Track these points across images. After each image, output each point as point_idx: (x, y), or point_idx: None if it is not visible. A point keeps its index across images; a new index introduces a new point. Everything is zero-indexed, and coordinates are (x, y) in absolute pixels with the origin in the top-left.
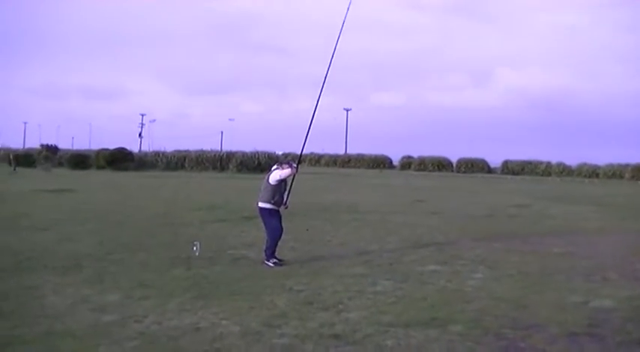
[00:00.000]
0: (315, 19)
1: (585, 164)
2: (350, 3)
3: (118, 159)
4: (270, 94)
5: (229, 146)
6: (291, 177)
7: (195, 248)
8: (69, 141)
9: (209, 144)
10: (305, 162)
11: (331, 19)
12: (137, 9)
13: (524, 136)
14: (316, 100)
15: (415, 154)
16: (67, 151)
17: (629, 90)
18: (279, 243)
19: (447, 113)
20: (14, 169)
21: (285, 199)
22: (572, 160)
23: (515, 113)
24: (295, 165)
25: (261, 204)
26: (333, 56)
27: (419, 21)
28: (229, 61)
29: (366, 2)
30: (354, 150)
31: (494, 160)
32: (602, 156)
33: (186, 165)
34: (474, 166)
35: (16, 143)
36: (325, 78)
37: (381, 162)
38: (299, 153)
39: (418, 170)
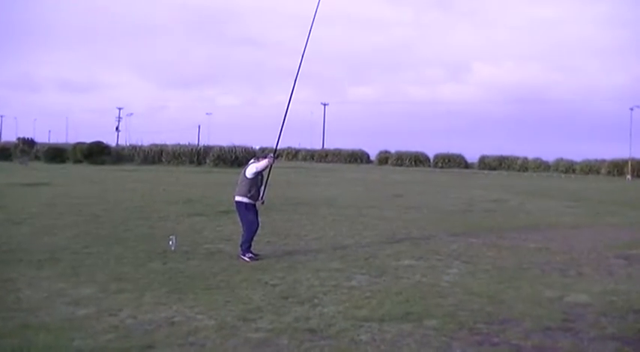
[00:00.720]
0: (291, 11)
1: (562, 159)
2: None
3: (95, 153)
4: (247, 88)
5: (207, 140)
6: (268, 170)
7: (171, 242)
8: (46, 134)
9: (186, 137)
10: (282, 156)
11: (308, 11)
12: (114, 1)
13: (501, 131)
14: (290, 92)
15: (392, 149)
16: (43, 145)
17: (605, 84)
18: (255, 238)
19: (423, 107)
20: None
21: (261, 193)
22: (549, 155)
23: (491, 107)
24: (272, 156)
25: (237, 198)
26: (305, 48)
27: (394, 14)
28: (206, 54)
29: None
30: (331, 144)
31: (471, 155)
32: (579, 150)
33: (163, 159)
34: (451, 161)
35: None
36: (298, 70)
37: (358, 157)
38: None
39: (395, 165)
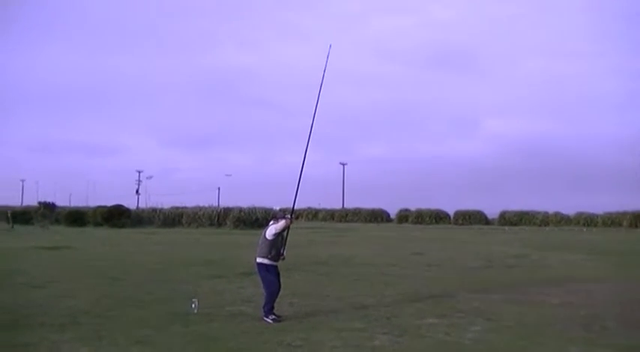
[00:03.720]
0: (301, 73)
1: (583, 213)
2: (328, 54)
3: (115, 216)
4: (263, 149)
5: (226, 201)
6: (287, 230)
7: (193, 305)
8: (67, 197)
9: (205, 198)
10: (302, 217)
11: (316, 73)
12: (129, 64)
13: (518, 185)
14: (304, 152)
15: (412, 206)
16: (64, 208)
17: (620, 136)
18: (277, 299)
19: (438, 163)
20: (12, 227)
21: (282, 252)
22: (569, 208)
23: (507, 162)
24: (290, 217)
25: (258, 260)
26: (316, 108)
27: (402, 73)
28: (221, 116)
29: (348, 56)
30: (351, 204)
31: (491, 210)
32: (600, 203)
33: (183, 221)
34: (472, 218)
35: (14, 200)
36: (311, 128)
37: (378, 216)
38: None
39: (415, 223)
